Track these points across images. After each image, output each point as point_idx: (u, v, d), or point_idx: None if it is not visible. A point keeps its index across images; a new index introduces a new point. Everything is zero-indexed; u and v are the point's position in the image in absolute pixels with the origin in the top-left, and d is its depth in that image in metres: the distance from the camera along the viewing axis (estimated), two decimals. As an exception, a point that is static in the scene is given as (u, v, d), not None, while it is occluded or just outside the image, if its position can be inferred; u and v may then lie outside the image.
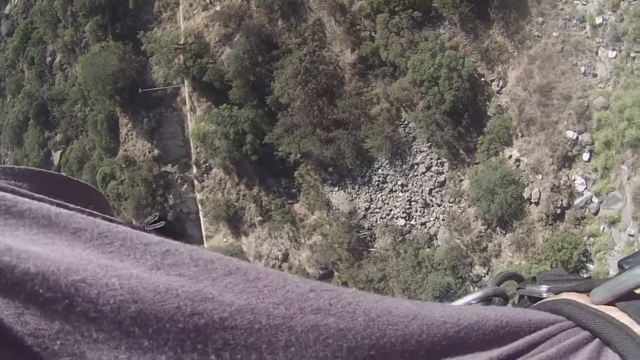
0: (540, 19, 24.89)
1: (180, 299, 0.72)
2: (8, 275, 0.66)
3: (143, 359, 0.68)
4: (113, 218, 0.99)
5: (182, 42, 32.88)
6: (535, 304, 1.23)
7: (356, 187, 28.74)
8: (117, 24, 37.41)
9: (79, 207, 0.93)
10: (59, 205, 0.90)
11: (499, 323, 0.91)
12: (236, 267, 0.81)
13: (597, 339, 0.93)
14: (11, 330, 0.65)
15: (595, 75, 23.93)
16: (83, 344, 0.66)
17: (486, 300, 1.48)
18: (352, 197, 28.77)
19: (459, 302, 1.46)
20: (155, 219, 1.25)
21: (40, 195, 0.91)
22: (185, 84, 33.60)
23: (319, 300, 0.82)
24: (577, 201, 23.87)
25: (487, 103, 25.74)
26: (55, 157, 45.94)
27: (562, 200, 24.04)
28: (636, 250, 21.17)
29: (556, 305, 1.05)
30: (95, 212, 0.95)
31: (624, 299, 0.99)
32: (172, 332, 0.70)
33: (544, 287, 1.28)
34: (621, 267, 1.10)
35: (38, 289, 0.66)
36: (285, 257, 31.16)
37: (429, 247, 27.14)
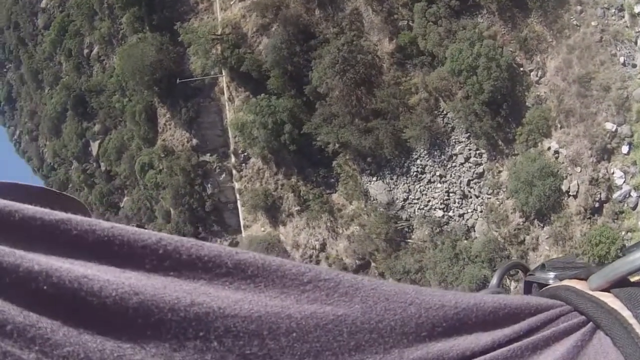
0: (579, 8, 24.52)
1: (179, 292, 0.74)
2: (12, 274, 0.67)
3: (147, 346, 0.70)
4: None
5: (219, 32, 33.07)
6: (540, 291, 1.28)
7: (394, 177, 28.72)
8: (154, 16, 37.71)
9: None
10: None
11: (497, 305, 0.95)
12: (233, 265, 0.81)
13: (591, 323, 0.98)
14: (14, 320, 0.65)
15: (634, 66, 23.52)
16: (86, 334, 0.67)
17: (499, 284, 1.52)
18: (390, 187, 28.75)
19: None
20: None
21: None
22: (223, 74, 33.83)
23: (315, 292, 0.83)
24: (616, 195, 23.50)
25: (526, 93, 25.45)
26: (94, 147, 46.66)
27: (600, 193, 23.71)
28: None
29: (556, 291, 1.11)
30: None
31: (619, 285, 1.04)
32: (174, 321, 0.72)
33: (551, 274, 1.32)
34: (623, 254, 1.13)
35: (42, 285, 0.67)
36: (323, 247, 31.31)
37: (466, 239, 27.03)
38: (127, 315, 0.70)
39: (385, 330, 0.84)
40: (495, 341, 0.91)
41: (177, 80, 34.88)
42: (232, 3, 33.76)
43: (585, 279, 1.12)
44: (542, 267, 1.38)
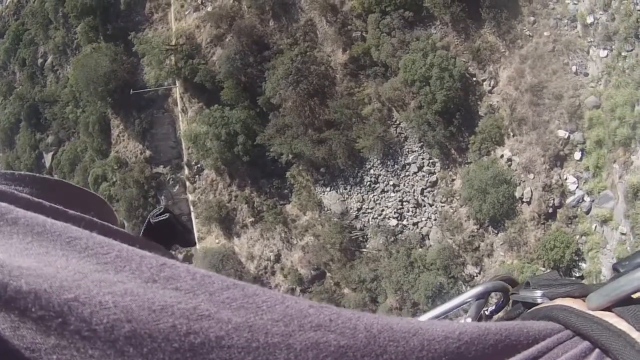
0: (532, 19, 24.92)
1: (176, 317, 0.71)
2: (1, 293, 0.65)
3: None
4: (111, 226, 1.00)
5: (173, 43, 32.84)
6: (530, 311, 1.21)
7: (348, 187, 28.75)
8: (109, 25, 37.31)
9: (78, 212, 0.94)
10: (57, 210, 0.91)
11: (499, 337, 0.89)
12: (233, 283, 0.79)
13: (596, 351, 0.90)
14: (8, 343, 0.64)
15: (586, 75, 23.96)
16: (79, 358, 0.65)
17: (485, 297, 1.48)
18: (344, 197, 28.78)
19: (458, 300, 1.48)
20: (161, 211, 1.25)
21: (39, 200, 0.91)
22: (177, 85, 33.55)
23: (319, 316, 0.79)
24: (569, 200, 23.92)
25: (479, 103, 25.75)
26: (47, 159, 45.71)
27: (554, 199, 24.10)
28: (630, 252, 21.30)
29: (551, 312, 1.04)
30: (95, 219, 0.95)
31: (621, 304, 0.97)
32: (167, 352, 0.68)
33: (538, 292, 1.25)
34: (616, 270, 1.08)
35: (31, 307, 0.65)
36: (278, 258, 31.15)
37: (421, 247, 27.16)
38: (119, 343, 0.67)
39: None
40: None
41: (131, 91, 34.49)
42: (186, 13, 33.54)
43: (580, 297, 1.07)
44: (527, 284, 1.32)
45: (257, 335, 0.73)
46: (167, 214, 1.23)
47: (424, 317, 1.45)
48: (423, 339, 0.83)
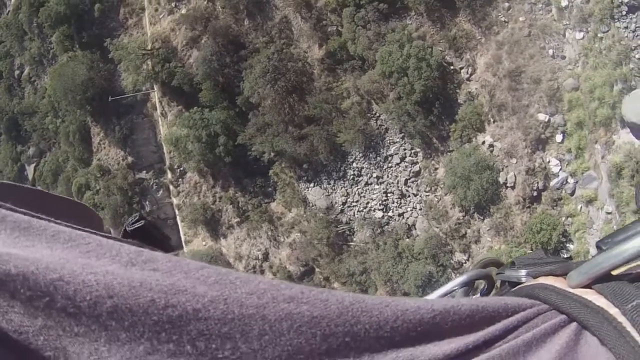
0: (507, 4, 25.02)
1: (154, 292, 0.74)
2: None
3: (122, 350, 0.70)
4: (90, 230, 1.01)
5: (149, 47, 32.70)
6: (513, 290, 1.23)
7: (332, 182, 28.77)
8: (84, 33, 37.05)
9: (60, 221, 0.96)
10: (39, 218, 0.93)
11: (474, 308, 0.91)
12: (207, 264, 0.83)
13: (574, 322, 0.92)
14: None
15: (563, 58, 24.09)
16: (65, 338, 0.68)
17: (470, 284, 1.49)
18: (328, 192, 28.80)
19: (443, 289, 1.48)
20: (136, 219, 1.28)
21: (23, 210, 0.93)
22: (155, 89, 33.43)
23: (292, 289, 0.82)
24: (553, 183, 24.07)
25: (458, 91, 25.85)
26: (29, 171, 45.39)
27: (537, 182, 24.25)
28: (614, 229, 21.41)
29: (533, 290, 1.05)
30: (76, 226, 0.98)
31: (601, 281, 0.98)
32: (148, 325, 0.72)
33: (522, 272, 1.27)
34: (599, 248, 1.09)
35: (20, 288, 0.69)
36: (266, 257, 31.14)
37: (408, 237, 27.23)
38: (102, 318, 0.71)
39: (359, 333, 0.82)
40: (469, 344, 0.87)
41: (109, 98, 34.33)
42: (161, 17, 33.38)
43: (562, 275, 1.08)
44: (512, 264, 1.34)
45: (232, 307, 0.76)
46: (143, 221, 1.26)
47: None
48: (396, 309, 0.85)
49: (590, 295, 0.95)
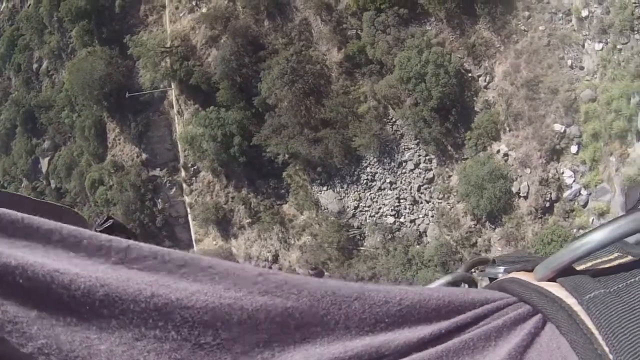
0: (527, 13, 24.92)
1: (142, 283, 0.79)
2: None
3: (112, 337, 0.74)
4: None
5: (168, 45, 32.87)
6: (488, 285, 1.29)
7: (345, 186, 28.75)
8: (104, 29, 37.34)
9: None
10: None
11: (441, 302, 0.95)
12: (190, 258, 0.87)
13: (539, 314, 0.96)
14: None
15: (582, 68, 23.98)
16: (57, 327, 0.72)
17: (453, 285, 1.52)
18: (340, 196, 28.78)
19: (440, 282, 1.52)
20: (104, 219, 1.33)
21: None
22: (172, 87, 33.60)
23: (266, 283, 0.87)
24: (566, 194, 23.94)
25: (475, 98, 25.76)
26: (44, 164, 45.76)
27: (550, 193, 24.13)
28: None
29: (502, 283, 1.09)
30: None
31: (565, 274, 1.02)
32: (136, 312, 0.76)
33: (500, 268, 1.34)
34: None
35: (19, 279, 0.72)
36: (275, 258, 31.20)
37: (418, 244, 27.17)
38: (94, 306, 0.75)
39: (329, 323, 0.88)
40: (442, 329, 0.92)
41: (126, 94, 34.54)
42: (181, 15, 33.55)
43: (532, 270, 1.11)
44: (493, 262, 1.42)
45: (212, 298, 0.82)
46: (112, 221, 1.32)
47: None
48: (364, 303, 0.90)
49: (552, 287, 0.99)
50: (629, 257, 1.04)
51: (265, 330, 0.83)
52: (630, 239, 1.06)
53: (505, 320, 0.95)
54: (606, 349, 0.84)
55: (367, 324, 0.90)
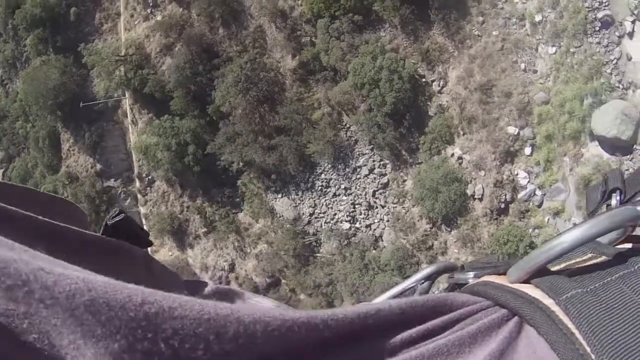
0: (481, 19, 25.23)
1: (131, 290, 0.73)
2: None
3: (97, 347, 0.69)
4: (74, 229, 1.05)
5: (123, 53, 32.50)
6: (458, 290, 1.25)
7: (300, 193, 28.71)
8: (58, 37, 36.72)
9: (47, 219, 0.99)
10: (29, 218, 0.96)
11: (404, 306, 0.91)
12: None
13: (516, 316, 0.94)
14: None
15: (535, 72, 24.39)
16: (45, 325, 0.69)
17: (432, 279, 1.54)
18: (295, 203, 28.73)
19: (406, 282, 1.55)
20: (116, 212, 1.30)
21: (12, 208, 0.95)
22: (127, 96, 33.24)
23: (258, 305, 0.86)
24: (521, 195, 24.33)
25: (428, 103, 26.00)
26: (-3, 176, 44.98)
27: (505, 194, 24.48)
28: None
29: (474, 287, 1.08)
30: (61, 224, 1.01)
31: (539, 275, 1.01)
32: (124, 320, 0.70)
33: (470, 274, 1.30)
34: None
35: (0, 276, 0.69)
36: (232, 268, 31.00)
37: (374, 248, 27.26)
38: (78, 311, 0.70)
39: (319, 338, 0.82)
40: (413, 334, 0.89)
41: (81, 104, 34.04)
42: (136, 23, 33.23)
43: (504, 273, 1.10)
44: (462, 268, 1.39)
45: (207, 308, 0.75)
46: (123, 215, 1.28)
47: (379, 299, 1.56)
48: (337, 323, 0.84)
49: (527, 289, 0.98)
50: (603, 257, 1.03)
51: (261, 345, 0.78)
52: (603, 239, 1.07)
53: (479, 326, 0.93)
54: (587, 348, 0.83)
55: (339, 337, 0.85)
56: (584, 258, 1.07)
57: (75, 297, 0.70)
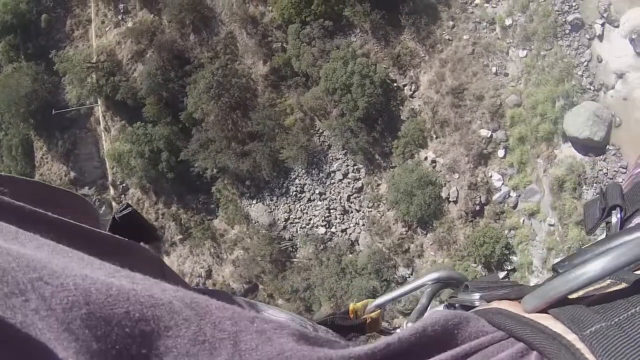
0: (451, 23, 25.41)
1: (130, 303, 0.72)
2: None
3: None
4: (84, 227, 1.03)
5: (94, 60, 32.20)
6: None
7: (274, 198, 28.66)
8: (29, 44, 36.21)
9: (56, 215, 0.97)
10: (35, 213, 0.94)
11: (415, 331, 0.86)
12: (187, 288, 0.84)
13: (534, 352, 0.86)
14: None
15: (506, 75, 24.60)
16: (41, 336, 0.66)
17: (434, 290, 1.51)
18: (270, 209, 28.68)
19: (407, 287, 1.51)
20: (124, 206, 1.30)
21: (20, 204, 0.94)
22: (99, 103, 32.92)
23: (263, 323, 0.81)
24: (495, 197, 24.46)
25: (401, 107, 26.07)
26: (-29, 185, 44.27)
27: (480, 196, 24.60)
28: (559, 242, 21.81)
29: (486, 315, 0.98)
30: (70, 220, 0.99)
31: (557, 305, 0.92)
32: (120, 336, 0.70)
33: (476, 295, 1.23)
34: (555, 271, 1.07)
35: None
36: (209, 274, 30.83)
37: (351, 253, 27.28)
38: (74, 325, 0.68)
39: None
40: None
41: (53, 111, 33.67)
42: (107, 30, 32.95)
43: (516, 300, 1.04)
44: (465, 288, 1.30)
45: (205, 329, 0.75)
46: (130, 208, 1.28)
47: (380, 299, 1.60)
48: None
49: (547, 321, 0.89)
50: (623, 284, 0.95)
51: None
52: None
53: None
54: None
55: None
56: (602, 285, 0.98)
57: (73, 310, 0.69)
